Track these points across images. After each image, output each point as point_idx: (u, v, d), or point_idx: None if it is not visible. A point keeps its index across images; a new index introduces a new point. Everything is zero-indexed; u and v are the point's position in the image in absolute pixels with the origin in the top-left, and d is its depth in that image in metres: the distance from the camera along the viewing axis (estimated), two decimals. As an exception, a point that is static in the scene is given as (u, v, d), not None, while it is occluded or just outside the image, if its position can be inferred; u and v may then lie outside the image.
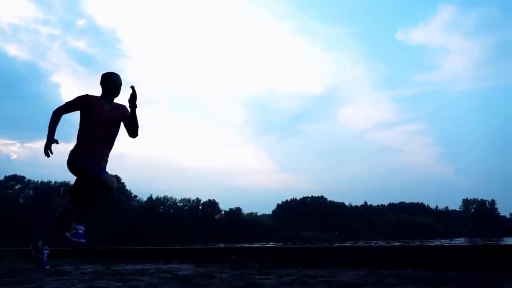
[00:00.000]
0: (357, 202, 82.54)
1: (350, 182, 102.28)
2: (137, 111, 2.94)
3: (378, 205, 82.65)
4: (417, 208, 79.48)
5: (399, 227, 67.90)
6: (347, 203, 79.70)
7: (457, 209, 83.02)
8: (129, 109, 2.96)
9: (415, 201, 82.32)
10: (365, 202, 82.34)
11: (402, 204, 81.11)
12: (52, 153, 2.77)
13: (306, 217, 70.31)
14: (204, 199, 75.30)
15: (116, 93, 2.99)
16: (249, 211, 76.80)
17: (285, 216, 73.62)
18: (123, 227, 47.79)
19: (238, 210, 74.38)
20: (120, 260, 3.59)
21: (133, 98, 2.89)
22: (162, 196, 73.93)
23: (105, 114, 2.90)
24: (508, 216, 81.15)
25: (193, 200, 75.08)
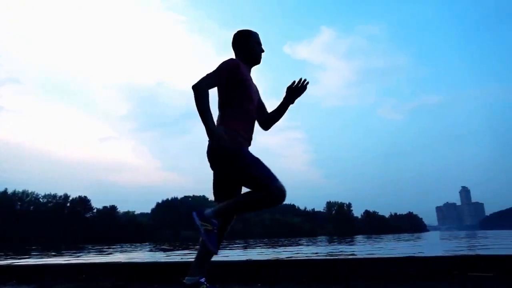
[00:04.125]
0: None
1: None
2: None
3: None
4: (289, 209, 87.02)
5: (273, 227, 73.11)
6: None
7: (322, 210, 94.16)
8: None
9: (288, 202, 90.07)
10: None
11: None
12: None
13: (187, 216, 70.00)
14: (73, 195, 68.60)
15: (259, 61, 2.37)
16: (126, 210, 72.61)
17: (165, 216, 71.81)
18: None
19: (113, 208, 69.44)
20: None
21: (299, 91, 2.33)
22: (20, 190, 64.90)
23: (255, 88, 2.35)
24: (359, 216, 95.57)
25: (60, 196, 67.44)
